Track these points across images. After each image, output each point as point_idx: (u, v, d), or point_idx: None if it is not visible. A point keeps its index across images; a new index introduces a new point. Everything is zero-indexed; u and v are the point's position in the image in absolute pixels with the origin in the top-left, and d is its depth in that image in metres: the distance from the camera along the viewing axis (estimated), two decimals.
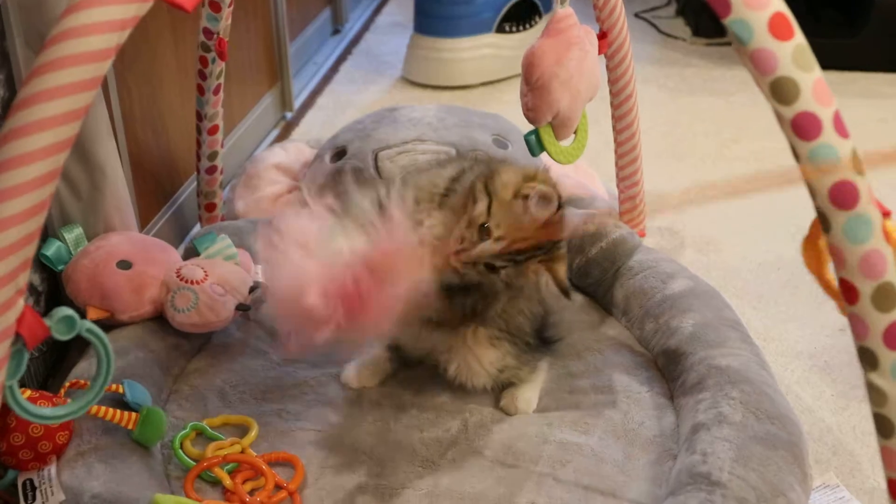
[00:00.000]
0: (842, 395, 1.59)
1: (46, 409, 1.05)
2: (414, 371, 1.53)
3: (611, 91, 1.85)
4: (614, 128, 1.89)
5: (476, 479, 1.33)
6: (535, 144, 1.64)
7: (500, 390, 1.48)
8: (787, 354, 1.70)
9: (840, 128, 0.93)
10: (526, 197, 1.30)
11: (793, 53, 0.92)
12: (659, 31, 3.45)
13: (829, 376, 1.64)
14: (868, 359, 0.99)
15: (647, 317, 1.59)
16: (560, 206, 1.31)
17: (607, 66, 1.82)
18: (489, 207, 1.30)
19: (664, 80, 2.99)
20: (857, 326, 0.97)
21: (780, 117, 0.95)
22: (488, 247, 1.28)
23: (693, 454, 1.27)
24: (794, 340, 1.74)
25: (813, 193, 0.95)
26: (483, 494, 1.30)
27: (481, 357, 1.44)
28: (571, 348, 1.58)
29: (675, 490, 1.23)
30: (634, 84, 1.84)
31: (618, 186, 1.96)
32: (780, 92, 0.93)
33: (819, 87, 0.93)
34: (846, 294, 0.96)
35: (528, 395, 1.47)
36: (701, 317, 1.53)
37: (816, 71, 0.93)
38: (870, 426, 1.51)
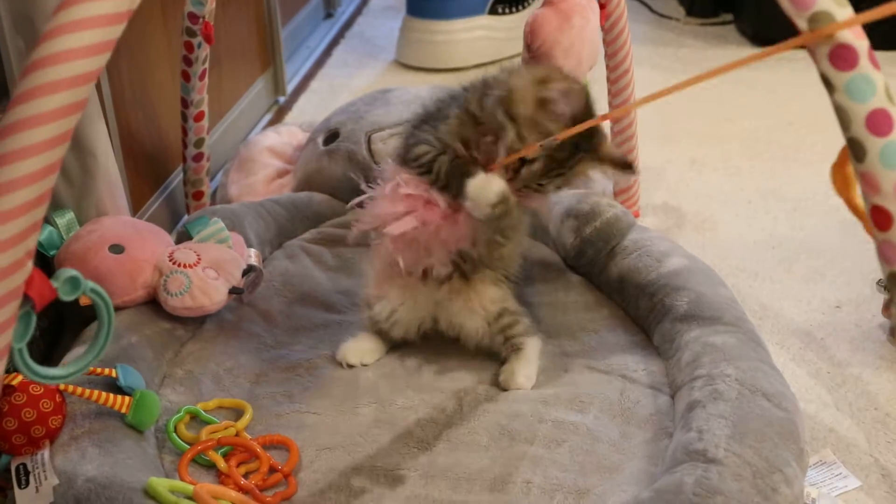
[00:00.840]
0: (838, 371, 1.59)
1: (54, 370, 1.06)
2: (409, 351, 1.53)
3: (608, 66, 1.84)
4: (610, 104, 1.89)
5: (471, 460, 1.32)
6: None
7: (498, 365, 1.48)
8: (783, 332, 1.69)
9: (874, 60, 0.97)
10: (548, 101, 1.32)
11: None
12: (652, 10, 3.44)
13: (826, 353, 1.63)
14: None
15: (641, 295, 1.59)
16: (585, 93, 1.35)
17: (604, 40, 1.81)
18: (519, 133, 1.32)
19: (658, 60, 2.98)
20: (889, 253, 0.99)
21: (815, 54, 0.98)
22: (532, 171, 1.32)
23: (689, 432, 1.26)
24: (789, 318, 1.73)
25: (846, 123, 0.97)
26: (478, 474, 1.29)
27: (483, 294, 1.47)
28: (566, 328, 1.58)
29: (670, 467, 1.23)
30: (631, 58, 1.83)
31: None
32: (818, 25, 0.96)
33: (853, 22, 0.96)
34: (879, 220, 0.98)
35: (528, 370, 1.46)
36: (696, 295, 1.52)
37: (849, 8, 0.97)
38: (866, 402, 1.52)
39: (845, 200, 1.22)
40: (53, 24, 0.89)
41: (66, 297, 1.00)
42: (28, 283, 0.93)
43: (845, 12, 0.97)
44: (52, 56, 0.88)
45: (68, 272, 0.98)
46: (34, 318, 0.95)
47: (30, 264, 0.92)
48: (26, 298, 0.93)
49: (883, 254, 0.99)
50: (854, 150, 0.97)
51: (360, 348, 1.52)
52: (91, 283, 1.02)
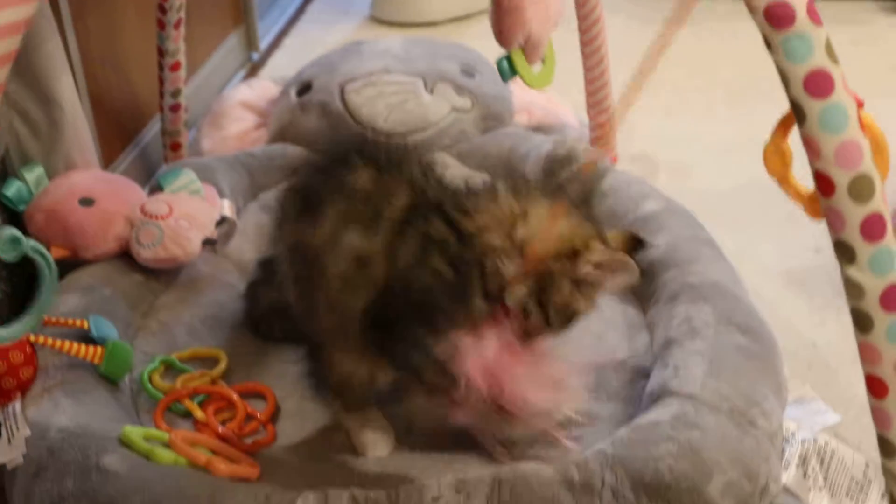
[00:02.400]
0: (818, 310, 1.59)
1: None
2: None
3: (578, 15, 1.82)
4: (583, 52, 1.87)
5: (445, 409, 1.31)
6: (506, 70, 1.61)
7: None
8: (763, 274, 1.69)
9: (814, 15, 0.92)
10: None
11: None
12: None
13: (805, 293, 1.63)
14: (845, 252, 0.98)
15: None
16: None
17: None
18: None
19: (633, 9, 2.95)
20: (834, 220, 0.96)
21: (752, 7, 0.93)
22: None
23: (665, 369, 1.26)
24: (768, 260, 1.73)
25: (786, 83, 0.93)
26: (457, 432, 1.27)
27: None
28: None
29: (647, 405, 1.22)
30: (601, 6, 1.81)
31: (588, 113, 1.95)
32: None
33: None
34: (822, 186, 0.95)
35: None
36: (673, 236, 1.51)
37: None
38: (845, 340, 1.51)
39: (780, 181, 1.21)
40: None
41: (7, 257, 0.97)
42: None
43: None
44: None
45: (7, 231, 0.95)
46: None
47: None
48: None
49: (829, 220, 0.98)
50: (796, 111, 0.95)
51: (381, 437, 1.26)
52: (33, 243, 1.00)
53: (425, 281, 1.10)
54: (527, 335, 1.13)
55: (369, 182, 1.15)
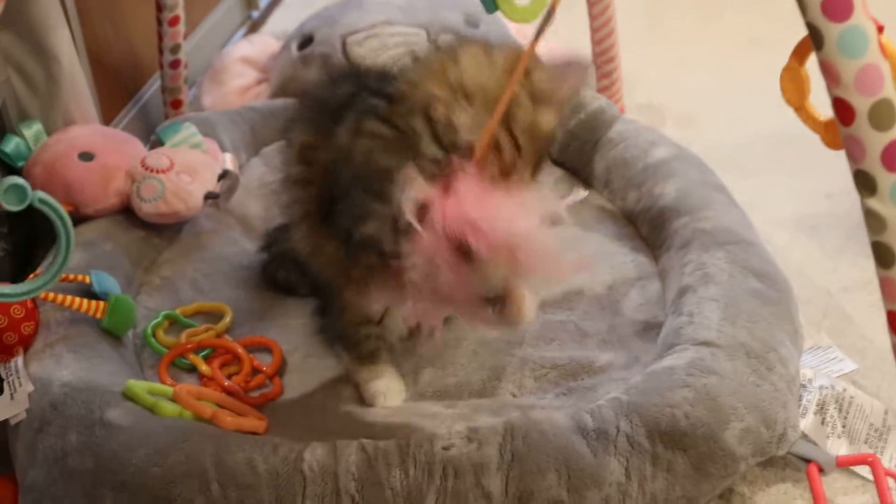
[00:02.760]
0: (830, 257, 1.56)
1: (7, 286, 1.01)
2: None
3: None
4: (588, 0, 1.83)
5: (458, 366, 1.29)
6: (489, 1, 1.57)
7: None
8: (773, 222, 1.66)
9: None
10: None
11: None
12: None
13: (817, 240, 1.60)
14: (865, 183, 0.94)
15: (629, 186, 1.55)
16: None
17: None
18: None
19: None
20: (853, 148, 0.93)
21: None
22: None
23: (680, 316, 1.24)
24: (779, 208, 1.70)
25: (803, 6, 0.90)
26: (466, 382, 1.27)
27: None
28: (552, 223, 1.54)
29: (662, 352, 1.20)
30: None
31: (594, 62, 1.91)
32: None
33: None
34: (841, 114, 0.91)
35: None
36: (684, 182, 1.49)
37: None
38: (860, 286, 1.49)
39: (797, 110, 1.17)
40: None
41: (11, 207, 0.93)
42: None
43: None
44: None
45: (12, 180, 0.91)
46: None
47: None
48: None
49: (849, 149, 0.94)
50: (813, 36, 0.91)
51: (394, 386, 1.25)
52: (40, 193, 0.95)
53: (364, 146, 1.07)
54: (502, 175, 1.05)
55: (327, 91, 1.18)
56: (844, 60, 0.88)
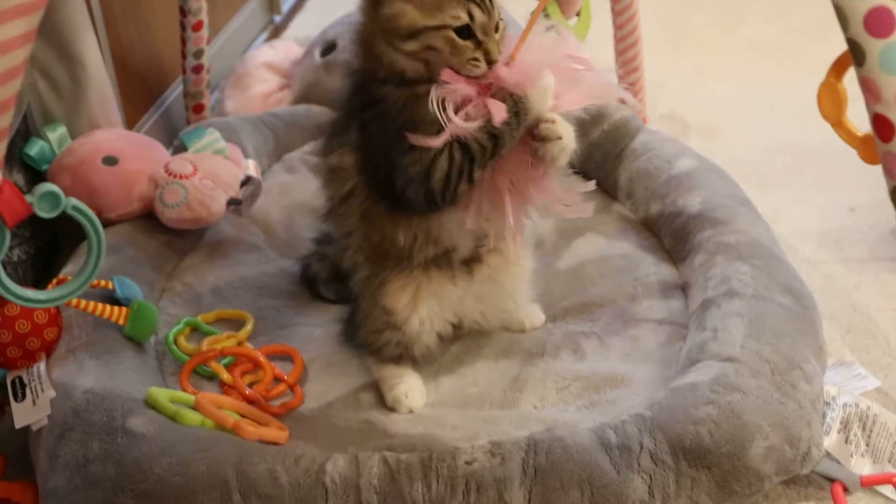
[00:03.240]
0: (854, 272, 1.55)
1: (32, 292, 1.01)
2: None
3: None
4: (613, 10, 1.83)
5: (480, 376, 1.29)
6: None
7: None
8: (797, 236, 1.65)
9: None
10: None
11: None
12: None
13: (841, 255, 1.59)
14: None
15: (652, 198, 1.54)
16: None
17: None
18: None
19: None
20: (892, 165, 0.92)
21: None
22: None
23: (703, 331, 1.23)
24: (803, 222, 1.69)
25: (845, 23, 0.89)
26: (487, 393, 1.26)
27: (526, 267, 1.34)
28: (576, 232, 1.54)
29: (685, 367, 1.19)
30: None
31: (618, 73, 1.90)
32: None
33: None
34: (881, 131, 0.91)
35: (534, 306, 1.38)
36: (708, 194, 1.48)
37: None
38: (883, 302, 1.48)
39: (834, 126, 1.17)
40: None
41: (45, 214, 0.94)
42: None
43: None
44: None
45: (46, 187, 0.92)
46: (7, 235, 0.89)
47: None
48: None
49: (886, 166, 0.94)
50: (854, 52, 0.91)
51: (416, 388, 1.26)
52: (73, 201, 0.96)
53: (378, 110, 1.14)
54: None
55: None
56: (886, 77, 0.88)
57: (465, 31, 1.09)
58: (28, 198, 0.92)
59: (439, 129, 1.07)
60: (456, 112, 1.08)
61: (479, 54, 1.09)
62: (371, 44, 1.15)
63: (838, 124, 1.14)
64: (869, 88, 0.89)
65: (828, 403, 1.20)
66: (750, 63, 2.32)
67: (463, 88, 1.09)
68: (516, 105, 1.09)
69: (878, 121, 0.90)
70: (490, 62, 1.10)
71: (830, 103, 1.09)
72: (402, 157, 1.12)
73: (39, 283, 1.52)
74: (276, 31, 2.62)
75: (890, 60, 0.87)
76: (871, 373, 1.34)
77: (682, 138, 1.96)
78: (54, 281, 1.30)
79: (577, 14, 1.61)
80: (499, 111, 1.07)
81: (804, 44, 2.34)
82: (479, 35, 1.09)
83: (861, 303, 1.48)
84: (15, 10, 0.82)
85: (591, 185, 1.18)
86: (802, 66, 2.24)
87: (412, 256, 1.22)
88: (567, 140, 1.13)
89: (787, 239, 1.62)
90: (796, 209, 1.73)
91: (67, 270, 1.36)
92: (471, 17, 1.09)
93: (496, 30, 1.11)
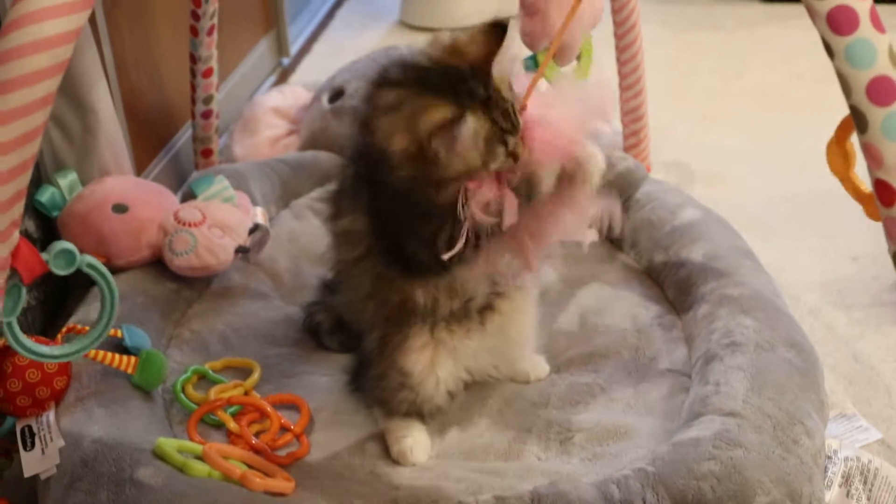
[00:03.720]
0: (856, 323, 1.56)
1: (46, 347, 1.02)
2: None
3: (614, 21, 1.80)
4: (618, 60, 1.85)
5: (484, 427, 1.30)
6: (532, 70, 1.59)
7: None
8: (800, 285, 1.67)
9: (877, 22, 0.89)
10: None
11: None
12: None
13: (843, 305, 1.61)
14: None
15: (656, 248, 1.56)
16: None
17: None
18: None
19: (665, 17, 2.94)
20: (893, 229, 0.94)
21: (813, 13, 0.91)
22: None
23: (706, 385, 1.24)
24: (805, 271, 1.70)
25: (847, 91, 0.91)
26: (491, 444, 1.27)
27: (530, 310, 1.34)
28: (580, 281, 1.55)
29: (688, 421, 1.20)
30: (638, 14, 1.80)
31: (622, 121, 1.92)
32: None
33: None
34: (883, 196, 0.93)
35: (538, 357, 1.39)
36: (712, 246, 1.49)
37: None
38: (886, 353, 1.49)
39: (842, 181, 1.18)
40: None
41: (60, 272, 0.95)
42: (14, 255, 0.89)
43: None
44: (27, 16, 0.84)
45: (62, 245, 0.94)
46: (23, 292, 0.91)
47: (16, 235, 0.88)
48: (13, 271, 0.89)
49: (888, 230, 0.95)
50: (856, 119, 0.92)
51: (422, 442, 1.26)
52: (88, 258, 0.98)
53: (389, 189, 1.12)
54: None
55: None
56: (888, 143, 0.89)
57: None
58: (44, 255, 0.94)
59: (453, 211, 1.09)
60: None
61: (506, 156, 1.11)
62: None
63: (846, 180, 1.16)
64: (871, 154, 0.91)
65: (829, 457, 1.21)
66: (754, 110, 2.34)
67: (488, 191, 1.10)
68: (529, 189, 1.12)
69: (880, 186, 0.92)
70: (515, 159, 1.12)
71: (839, 160, 1.11)
72: (413, 223, 1.14)
73: (49, 328, 1.54)
74: (284, 74, 2.64)
75: (892, 128, 0.88)
76: (873, 425, 1.35)
77: (686, 186, 1.98)
78: (63, 330, 1.31)
79: (578, 58, 1.63)
80: (512, 212, 1.10)
81: (808, 91, 2.36)
82: (510, 145, 1.11)
83: (863, 354, 1.49)
84: (35, 76, 0.84)
85: (594, 234, 1.21)
86: (807, 114, 2.26)
87: (435, 312, 1.23)
88: (600, 160, 1.17)
89: (790, 289, 1.64)
90: (799, 258, 1.74)
91: (78, 318, 1.37)
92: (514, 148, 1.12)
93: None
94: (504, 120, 1.09)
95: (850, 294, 1.63)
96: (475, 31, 1.11)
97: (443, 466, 1.23)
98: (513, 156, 1.11)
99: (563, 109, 1.15)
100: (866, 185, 1.12)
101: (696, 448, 1.12)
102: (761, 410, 1.17)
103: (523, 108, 1.14)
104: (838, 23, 0.89)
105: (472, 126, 1.05)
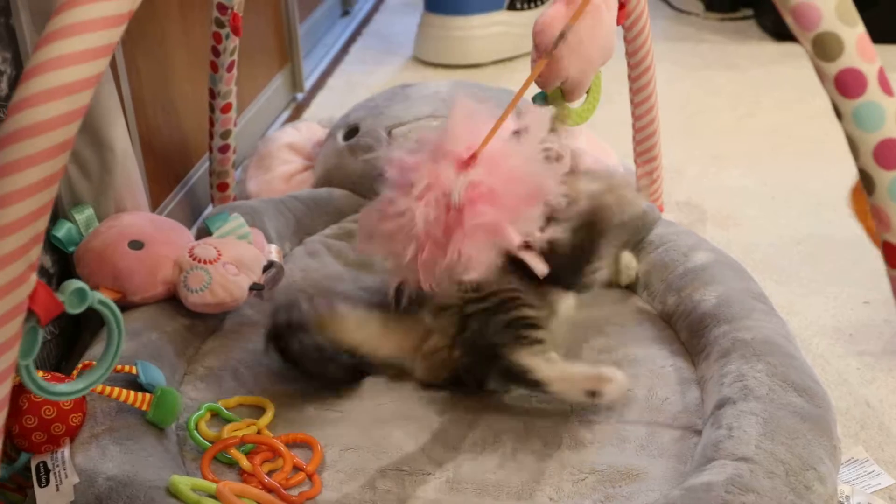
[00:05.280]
0: (868, 367, 1.56)
1: (62, 386, 1.03)
2: None
3: (629, 63, 1.82)
4: (632, 101, 1.86)
5: (497, 464, 1.30)
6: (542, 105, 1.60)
7: None
8: (812, 328, 1.67)
9: (885, 85, 0.90)
10: None
11: (836, 7, 0.89)
12: (672, 6, 3.41)
13: (855, 349, 1.61)
14: None
15: (668, 290, 1.56)
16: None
17: (625, 38, 1.78)
18: None
19: (678, 55, 2.95)
20: None
21: (822, 75, 0.91)
22: None
23: (719, 429, 1.24)
24: (817, 314, 1.71)
25: (856, 153, 0.92)
26: (505, 478, 1.27)
27: None
28: (593, 321, 1.55)
29: (700, 465, 1.20)
30: (652, 55, 1.81)
31: (635, 161, 1.93)
32: (823, 48, 0.90)
33: (863, 43, 0.90)
34: (890, 258, 0.93)
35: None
36: (724, 289, 1.50)
37: (860, 26, 0.90)
38: None
39: (865, 228, 1.20)
40: (49, 29, 0.85)
41: (73, 310, 0.97)
42: (32, 298, 0.90)
43: (854, 32, 0.91)
44: (48, 62, 0.85)
45: (74, 284, 0.95)
46: (40, 334, 0.92)
47: (33, 278, 0.89)
48: (31, 314, 0.90)
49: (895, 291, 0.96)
50: (864, 181, 0.93)
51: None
52: (99, 295, 0.99)
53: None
54: None
55: None
56: (895, 206, 0.90)
57: None
58: (58, 295, 0.95)
59: None
60: None
61: None
62: None
63: (871, 230, 1.17)
64: (879, 217, 0.91)
65: (842, 503, 1.21)
66: (767, 150, 2.34)
67: None
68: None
69: (888, 248, 0.92)
70: None
71: (862, 208, 1.12)
72: None
73: (63, 361, 1.54)
74: (299, 110, 2.66)
75: None
76: (886, 470, 1.35)
77: (698, 226, 1.99)
78: (80, 366, 1.32)
79: (586, 93, 1.64)
80: None
81: (821, 131, 2.37)
82: None
83: (875, 399, 1.49)
84: (55, 121, 0.85)
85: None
86: (820, 154, 2.27)
87: None
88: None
89: (801, 332, 1.64)
90: (811, 301, 1.74)
91: (93, 353, 1.38)
92: None
93: None
94: None
95: (861, 338, 1.63)
96: None
97: (456, 502, 1.23)
98: None
99: (513, 184, 1.24)
100: None
101: (708, 493, 1.12)
102: (774, 456, 1.17)
103: (473, 158, 1.20)
104: (846, 85, 0.90)
105: None
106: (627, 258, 1.63)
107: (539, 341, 1.36)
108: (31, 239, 0.86)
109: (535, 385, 1.35)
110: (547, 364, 1.34)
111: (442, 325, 1.39)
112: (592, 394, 1.33)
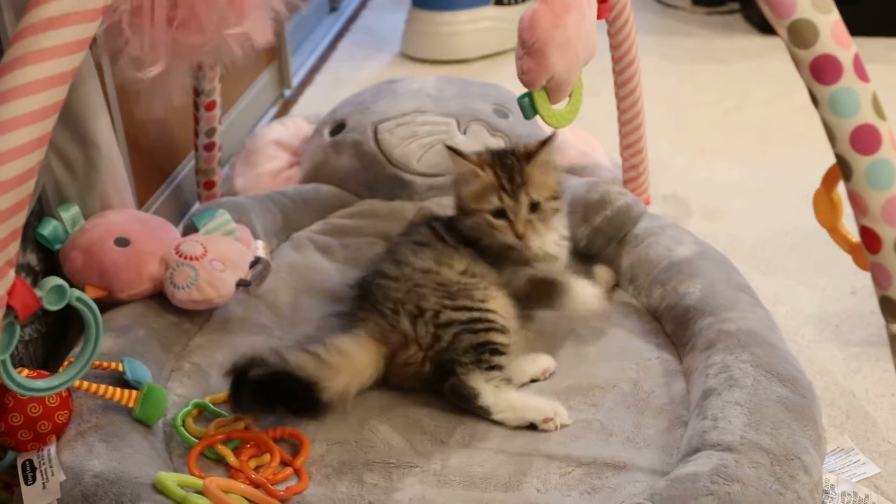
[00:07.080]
0: (854, 357, 1.57)
1: (39, 382, 1.04)
2: None
3: (613, 57, 1.82)
4: (617, 94, 1.86)
5: (485, 457, 1.30)
6: (528, 107, 1.59)
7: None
8: (797, 319, 1.67)
9: (860, 70, 0.91)
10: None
11: None
12: (658, 0, 3.42)
13: (841, 339, 1.61)
14: (890, 309, 0.96)
15: (654, 284, 1.57)
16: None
17: (608, 32, 1.78)
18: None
19: (665, 49, 2.96)
20: (880, 276, 0.95)
21: (797, 62, 0.92)
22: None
23: (704, 420, 1.24)
24: (803, 305, 1.71)
25: (832, 139, 0.92)
26: (492, 471, 1.27)
27: None
28: (579, 316, 1.55)
29: (686, 456, 1.21)
30: (637, 49, 1.81)
31: (621, 155, 1.94)
32: (799, 35, 0.91)
33: (838, 30, 0.90)
34: (868, 243, 0.94)
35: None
36: (709, 281, 1.50)
37: (835, 13, 0.90)
38: (883, 388, 1.50)
39: (830, 231, 1.20)
40: (24, 24, 0.85)
41: (52, 307, 0.97)
42: (10, 294, 0.90)
43: (829, 19, 0.92)
44: (23, 57, 0.85)
45: (53, 281, 0.96)
46: (17, 329, 0.93)
47: (11, 273, 0.89)
48: (9, 309, 0.90)
49: (875, 277, 0.96)
50: (842, 167, 0.94)
51: None
52: (77, 292, 1.00)
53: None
54: None
55: None
56: (872, 192, 0.90)
57: (500, 213, 1.48)
58: (37, 292, 0.95)
59: None
60: None
61: (509, 230, 1.48)
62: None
63: (833, 230, 1.17)
64: (856, 202, 0.92)
65: (826, 492, 1.22)
66: (753, 143, 2.35)
67: None
68: None
69: (866, 233, 0.93)
70: (518, 236, 1.47)
71: (825, 210, 1.12)
72: None
73: (50, 360, 1.54)
74: (286, 105, 2.66)
75: (876, 176, 0.89)
76: (871, 459, 1.35)
77: (684, 219, 1.99)
78: (65, 364, 1.32)
79: (569, 96, 1.64)
80: None
81: (808, 124, 2.36)
82: (510, 216, 1.47)
83: (860, 389, 1.50)
84: (30, 117, 0.85)
85: None
86: (806, 147, 2.28)
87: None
88: None
89: (787, 322, 1.64)
90: (797, 292, 1.75)
91: (77, 351, 1.38)
92: (502, 202, 1.47)
93: (534, 209, 1.48)
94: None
95: (847, 328, 1.64)
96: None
97: (444, 497, 1.23)
98: (514, 229, 1.48)
99: None
100: (854, 235, 1.13)
101: (693, 483, 1.13)
102: (758, 446, 1.17)
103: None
104: (822, 72, 0.90)
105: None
106: (601, 271, 1.66)
107: (497, 367, 1.38)
108: (8, 234, 0.86)
109: (479, 410, 1.36)
110: (495, 392, 1.36)
111: (420, 335, 1.40)
112: (534, 426, 1.35)
